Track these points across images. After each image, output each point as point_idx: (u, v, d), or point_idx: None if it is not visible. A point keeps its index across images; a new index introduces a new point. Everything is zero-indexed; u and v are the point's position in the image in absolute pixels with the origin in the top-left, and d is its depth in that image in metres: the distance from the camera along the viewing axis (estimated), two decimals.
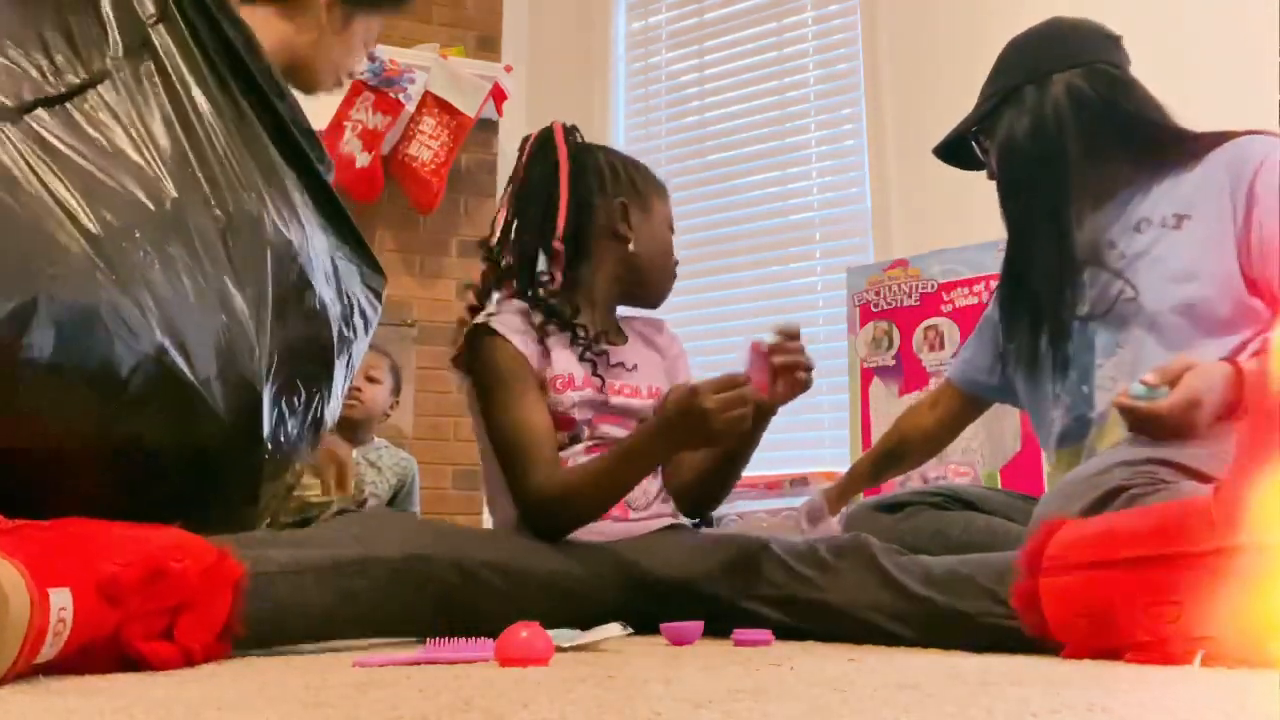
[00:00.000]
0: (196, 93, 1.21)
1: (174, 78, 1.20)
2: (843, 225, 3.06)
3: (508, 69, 3.31)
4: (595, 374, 1.50)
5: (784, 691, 0.72)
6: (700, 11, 3.40)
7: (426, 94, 3.18)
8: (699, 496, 1.58)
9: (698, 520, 1.67)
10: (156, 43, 1.21)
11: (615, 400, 1.51)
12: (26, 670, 0.80)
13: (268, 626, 1.04)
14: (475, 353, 1.48)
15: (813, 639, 1.23)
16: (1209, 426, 1.23)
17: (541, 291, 1.52)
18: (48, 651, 0.80)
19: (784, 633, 1.23)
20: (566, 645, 1.06)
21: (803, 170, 3.16)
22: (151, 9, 1.22)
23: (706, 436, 1.28)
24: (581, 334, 1.51)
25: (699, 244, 3.22)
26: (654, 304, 1.65)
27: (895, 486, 2.34)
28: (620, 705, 0.65)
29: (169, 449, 1.12)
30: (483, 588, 1.24)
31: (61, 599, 0.81)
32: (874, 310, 2.53)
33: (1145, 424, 1.21)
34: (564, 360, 1.49)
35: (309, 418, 1.35)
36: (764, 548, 1.31)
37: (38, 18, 1.13)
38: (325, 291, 1.33)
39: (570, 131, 1.62)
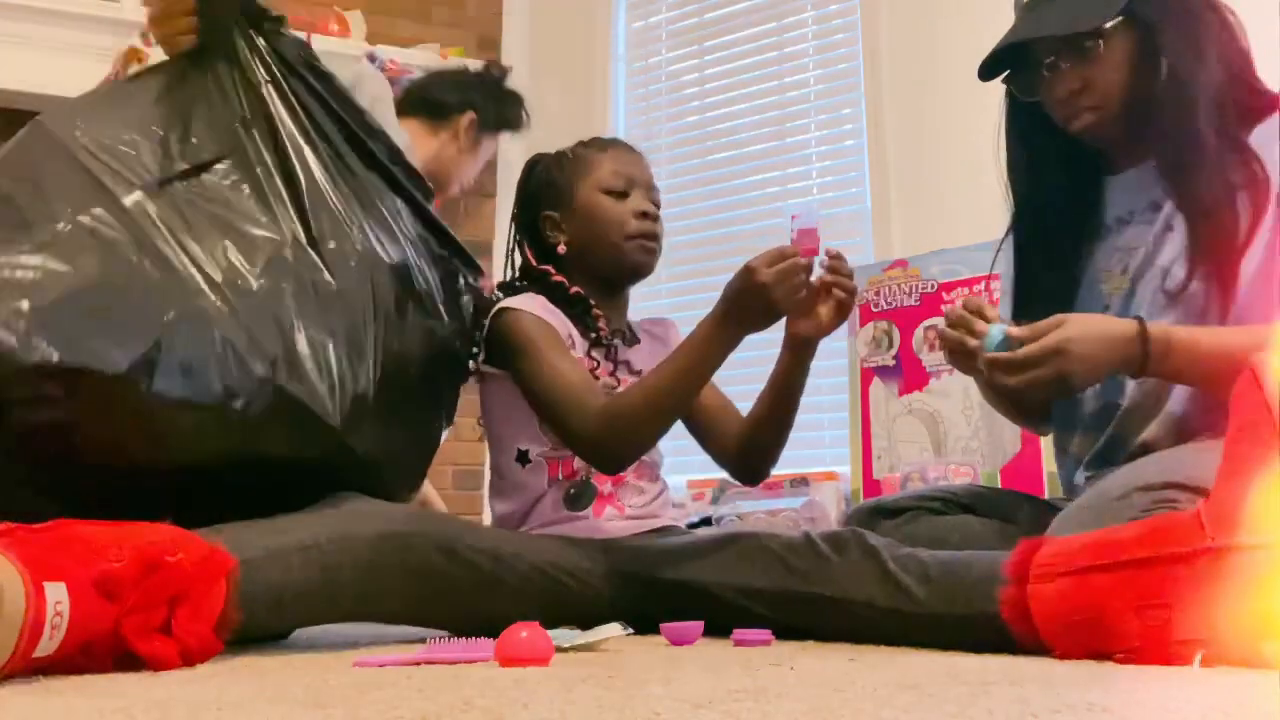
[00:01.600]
0: (302, 143, 1.38)
1: (284, 134, 1.37)
2: (843, 225, 3.06)
3: (508, 69, 3.30)
4: (608, 359, 1.52)
5: (784, 691, 0.72)
6: (700, 11, 3.40)
7: None
8: (757, 448, 1.56)
9: (703, 519, 1.66)
10: (270, 104, 1.38)
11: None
12: (28, 666, 0.80)
13: (261, 610, 1.05)
14: (497, 332, 1.48)
15: (810, 635, 1.23)
16: (1089, 382, 1.26)
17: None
18: (46, 645, 0.80)
19: (782, 630, 1.22)
20: (566, 645, 1.07)
21: (803, 170, 3.16)
22: (262, 73, 1.39)
23: (767, 310, 1.29)
24: (593, 327, 1.53)
25: (699, 244, 3.22)
26: (633, 276, 1.59)
27: (896, 488, 2.34)
28: (620, 705, 0.65)
29: (291, 461, 1.25)
30: (469, 570, 1.25)
31: (57, 593, 0.81)
32: (874, 310, 2.53)
33: (998, 375, 1.24)
34: (578, 349, 1.51)
35: (427, 426, 1.51)
36: (759, 542, 1.30)
37: (179, 101, 1.35)
38: (432, 302, 1.46)
39: (529, 165, 1.65)
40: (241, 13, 1.39)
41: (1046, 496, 1.83)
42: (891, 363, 2.47)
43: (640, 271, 1.58)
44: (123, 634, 0.89)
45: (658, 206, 1.58)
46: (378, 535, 1.18)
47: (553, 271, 1.56)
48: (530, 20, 3.59)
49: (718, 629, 1.24)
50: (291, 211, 1.33)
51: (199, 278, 1.22)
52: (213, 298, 1.21)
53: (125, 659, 0.90)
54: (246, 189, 1.32)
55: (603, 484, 1.51)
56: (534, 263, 1.58)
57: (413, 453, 1.52)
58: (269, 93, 1.38)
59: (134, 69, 2.72)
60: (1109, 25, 1.35)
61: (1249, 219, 1.28)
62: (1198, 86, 1.32)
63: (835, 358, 2.70)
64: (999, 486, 2.18)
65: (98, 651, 0.88)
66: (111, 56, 2.78)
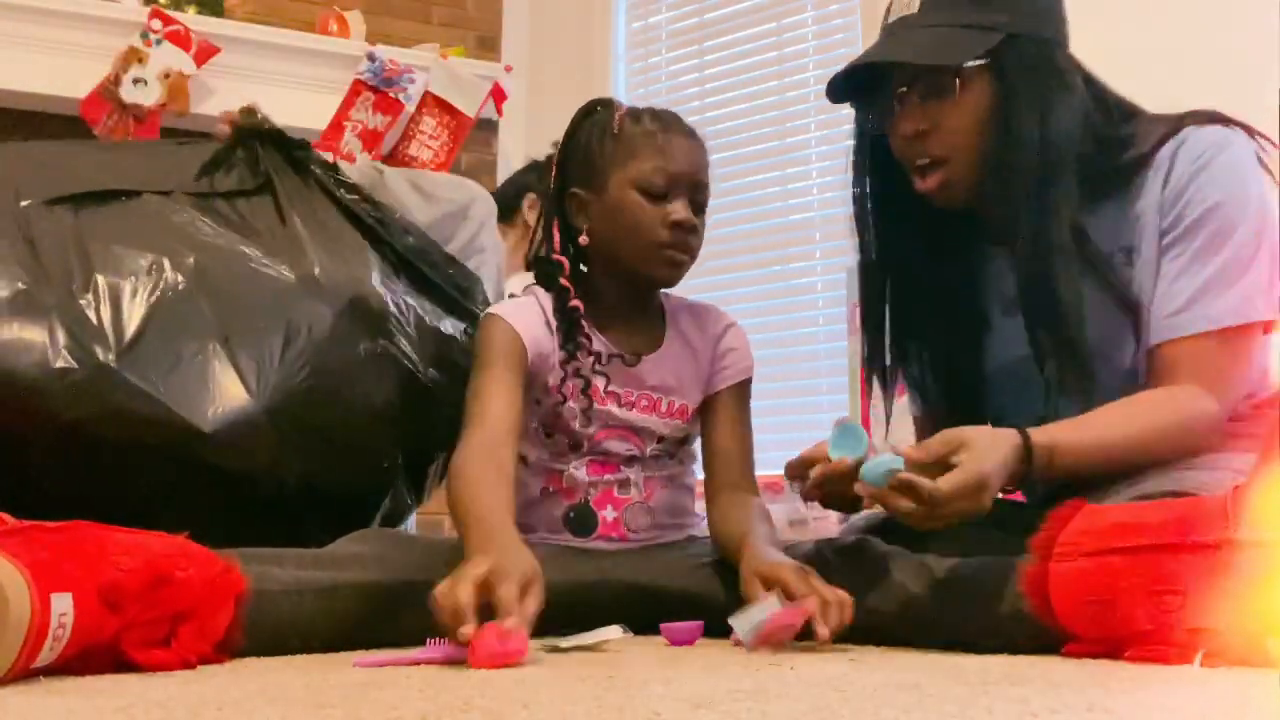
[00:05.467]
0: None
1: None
2: (843, 225, 3.04)
3: (508, 69, 3.30)
4: (579, 376, 1.40)
5: (784, 691, 0.72)
6: (700, 11, 3.40)
7: (427, 94, 3.17)
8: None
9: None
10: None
11: (617, 411, 1.41)
12: (25, 674, 0.80)
13: (266, 638, 1.04)
14: (478, 336, 1.40)
15: (813, 638, 1.23)
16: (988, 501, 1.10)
17: (570, 299, 1.40)
18: (46, 655, 0.80)
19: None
20: (566, 645, 1.07)
21: (803, 170, 3.16)
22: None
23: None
24: (572, 352, 1.39)
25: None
26: (654, 285, 1.44)
27: None
28: (620, 705, 0.65)
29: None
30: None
31: (63, 604, 0.81)
32: None
33: (918, 507, 1.06)
34: (553, 376, 1.39)
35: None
36: None
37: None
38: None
39: (579, 117, 1.46)
40: (272, 144, 1.61)
41: None
42: None
43: (661, 284, 1.44)
44: (122, 647, 0.89)
45: (703, 207, 1.39)
46: (400, 584, 1.16)
47: (566, 269, 1.41)
48: (530, 20, 3.59)
49: (718, 630, 1.24)
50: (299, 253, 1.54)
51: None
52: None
53: (124, 662, 0.90)
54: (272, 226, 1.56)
55: (604, 509, 1.42)
56: (556, 248, 1.43)
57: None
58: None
59: (134, 70, 2.73)
60: (970, 65, 1.25)
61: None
62: (1046, 153, 1.24)
63: (835, 358, 2.70)
64: None
65: (97, 657, 0.88)
66: (111, 57, 2.79)
